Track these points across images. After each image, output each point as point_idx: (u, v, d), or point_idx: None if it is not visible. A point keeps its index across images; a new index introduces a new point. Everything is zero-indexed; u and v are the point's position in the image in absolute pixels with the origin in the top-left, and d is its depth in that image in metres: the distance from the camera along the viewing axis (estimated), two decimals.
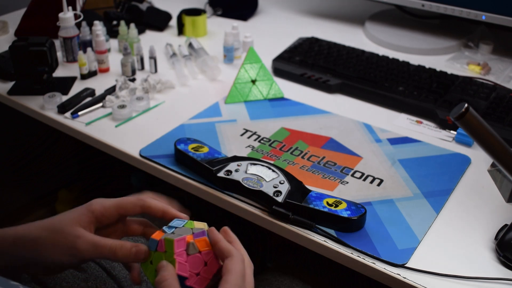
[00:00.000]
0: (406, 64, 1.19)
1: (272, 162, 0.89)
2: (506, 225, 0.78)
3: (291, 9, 1.59)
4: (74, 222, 0.63)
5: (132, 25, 1.26)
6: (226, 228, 0.62)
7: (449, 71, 1.18)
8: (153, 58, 1.19)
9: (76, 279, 0.80)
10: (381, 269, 0.73)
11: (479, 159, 0.94)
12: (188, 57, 1.23)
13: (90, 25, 1.23)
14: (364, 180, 0.89)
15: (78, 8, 1.33)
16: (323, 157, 0.94)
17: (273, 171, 0.85)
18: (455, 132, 1.00)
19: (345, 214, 0.77)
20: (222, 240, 0.59)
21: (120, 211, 0.65)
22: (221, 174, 0.85)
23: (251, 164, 0.87)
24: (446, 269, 0.72)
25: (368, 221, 0.80)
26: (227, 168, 0.86)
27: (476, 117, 0.68)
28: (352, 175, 0.90)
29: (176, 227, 0.62)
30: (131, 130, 1.02)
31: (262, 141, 0.98)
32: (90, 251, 0.61)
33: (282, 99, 1.12)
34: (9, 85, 1.16)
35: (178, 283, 0.56)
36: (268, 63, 1.21)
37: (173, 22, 1.43)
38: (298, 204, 0.79)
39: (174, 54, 1.24)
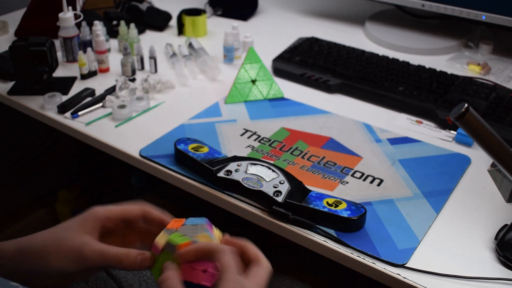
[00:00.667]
0: (406, 64, 1.19)
1: (272, 162, 0.89)
2: (506, 225, 0.78)
3: (291, 9, 1.59)
4: (78, 229, 0.62)
5: (132, 25, 1.26)
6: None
7: (449, 71, 1.18)
8: (153, 58, 1.19)
9: None
10: (381, 269, 0.73)
11: (479, 159, 0.94)
12: (188, 57, 1.23)
13: (90, 25, 1.23)
14: (364, 180, 0.89)
15: (78, 8, 1.33)
16: (323, 157, 0.94)
17: (273, 171, 0.85)
18: (455, 132, 1.00)
19: (345, 214, 0.77)
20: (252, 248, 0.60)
21: (124, 215, 0.65)
22: (221, 174, 0.85)
23: (251, 164, 0.87)
24: (446, 269, 0.72)
25: (368, 221, 0.80)
26: (227, 168, 0.86)
27: (476, 117, 0.68)
28: (352, 175, 0.90)
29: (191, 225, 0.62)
30: (131, 130, 1.02)
31: (262, 141, 0.98)
32: (96, 259, 0.61)
33: (282, 99, 1.12)
34: (9, 85, 1.16)
35: (179, 283, 0.56)
36: (268, 63, 1.21)
37: (173, 22, 1.43)
38: (298, 204, 0.79)
39: (174, 54, 1.24)
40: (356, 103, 1.12)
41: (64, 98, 1.10)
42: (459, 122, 0.68)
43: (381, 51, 1.31)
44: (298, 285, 0.89)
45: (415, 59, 1.25)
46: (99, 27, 1.21)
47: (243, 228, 0.99)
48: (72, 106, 1.07)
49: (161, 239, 0.61)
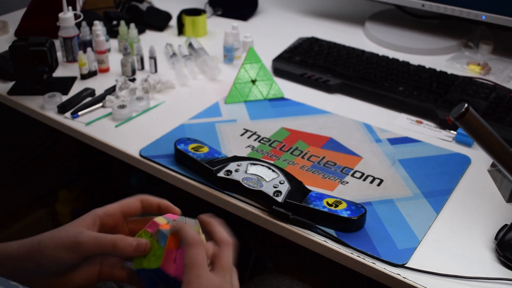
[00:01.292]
0: (406, 64, 1.19)
1: (272, 162, 0.89)
2: (506, 225, 0.78)
3: (291, 9, 1.59)
4: (75, 223, 0.63)
5: (132, 25, 1.26)
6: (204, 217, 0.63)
7: (449, 71, 1.18)
8: (153, 58, 1.19)
9: None
10: (381, 269, 0.73)
11: (479, 159, 0.94)
12: (188, 57, 1.23)
13: (90, 25, 1.23)
14: (364, 180, 0.89)
15: (78, 8, 1.33)
16: (323, 157, 0.94)
17: (273, 171, 0.85)
18: (455, 132, 1.00)
19: (345, 214, 0.77)
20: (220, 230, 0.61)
21: (123, 208, 0.66)
22: (221, 174, 0.85)
23: (251, 164, 0.87)
24: (446, 269, 0.72)
25: (368, 221, 0.80)
26: (227, 168, 0.86)
27: (476, 117, 0.68)
28: (352, 175, 0.90)
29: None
30: (131, 130, 1.02)
31: (262, 141, 0.98)
32: (91, 244, 0.61)
33: (282, 99, 1.12)
34: (9, 85, 1.16)
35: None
36: (268, 63, 1.21)
37: (173, 22, 1.43)
38: (298, 204, 0.79)
39: (174, 54, 1.24)
40: (356, 103, 1.12)
41: (64, 98, 1.10)
42: (459, 122, 0.68)
43: (381, 51, 1.31)
44: (298, 285, 0.89)
45: (415, 59, 1.25)
46: (99, 27, 1.21)
47: (243, 228, 0.99)
48: (72, 106, 1.07)
49: (160, 220, 0.62)
